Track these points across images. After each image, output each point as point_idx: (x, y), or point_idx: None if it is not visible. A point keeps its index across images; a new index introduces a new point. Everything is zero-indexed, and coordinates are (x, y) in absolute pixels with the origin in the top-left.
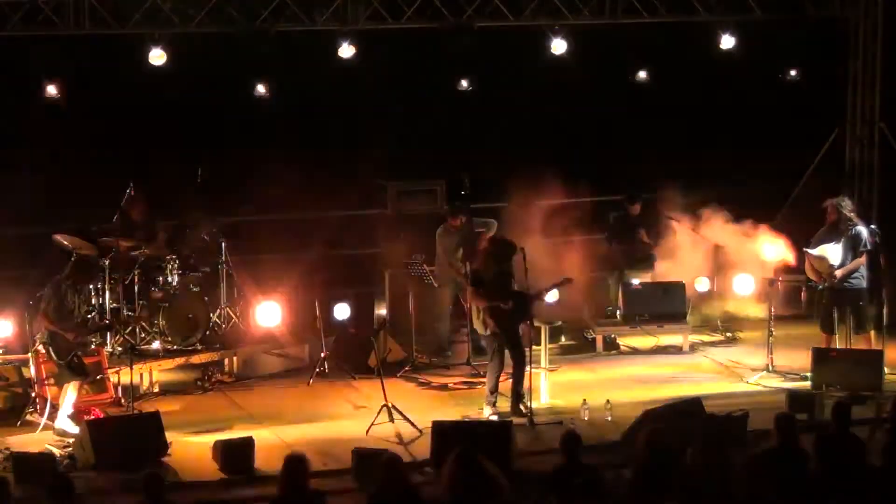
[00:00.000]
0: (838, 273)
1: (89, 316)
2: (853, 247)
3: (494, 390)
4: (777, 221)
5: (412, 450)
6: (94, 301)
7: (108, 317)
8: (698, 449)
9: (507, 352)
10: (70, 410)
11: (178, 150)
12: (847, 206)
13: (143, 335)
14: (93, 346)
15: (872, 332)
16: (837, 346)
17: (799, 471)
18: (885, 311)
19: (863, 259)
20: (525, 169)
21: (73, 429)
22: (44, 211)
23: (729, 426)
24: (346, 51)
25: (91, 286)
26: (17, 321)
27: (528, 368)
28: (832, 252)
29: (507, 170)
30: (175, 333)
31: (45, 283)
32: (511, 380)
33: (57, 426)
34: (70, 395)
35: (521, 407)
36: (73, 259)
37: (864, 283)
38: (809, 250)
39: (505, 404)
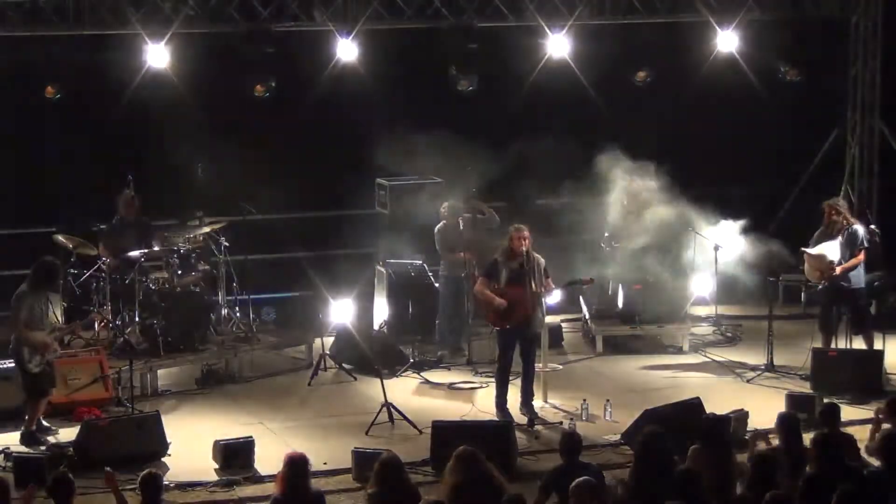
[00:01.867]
0: (838, 269)
1: (56, 320)
2: (850, 244)
3: (503, 402)
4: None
5: (412, 450)
6: (94, 300)
7: (108, 316)
8: (698, 449)
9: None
10: (32, 427)
11: (178, 150)
12: (843, 206)
13: (142, 335)
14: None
15: (872, 332)
16: (837, 346)
17: (801, 471)
18: (884, 310)
19: (862, 256)
20: (524, 169)
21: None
22: (44, 211)
23: (729, 426)
24: (346, 51)
25: (53, 290)
26: None
27: (535, 369)
28: (830, 249)
29: (507, 170)
30: (175, 333)
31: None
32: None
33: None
34: (38, 409)
35: (527, 409)
36: (37, 263)
37: (862, 283)
38: (808, 250)
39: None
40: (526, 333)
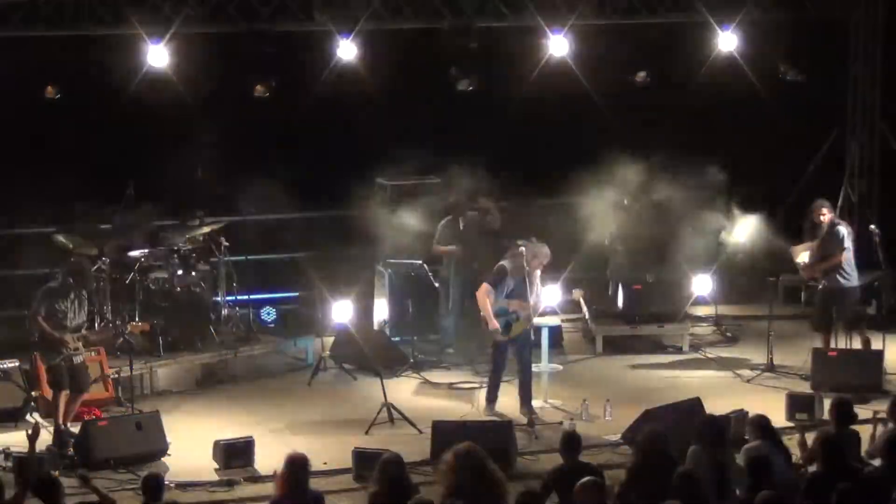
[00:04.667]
0: (801, 263)
1: (84, 321)
2: (829, 244)
3: (495, 389)
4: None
5: (412, 450)
6: (94, 301)
7: (108, 316)
8: (698, 449)
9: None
10: (62, 425)
11: (178, 150)
12: (826, 205)
13: (142, 335)
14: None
15: (866, 332)
16: (835, 346)
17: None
18: (884, 310)
19: (839, 256)
20: (525, 169)
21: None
22: (44, 210)
23: (728, 426)
24: (346, 51)
25: (86, 291)
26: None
27: (532, 371)
28: (809, 252)
29: (507, 170)
30: (175, 333)
31: (45, 282)
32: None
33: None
34: (60, 406)
35: (526, 409)
36: (67, 264)
37: (854, 283)
38: (798, 261)
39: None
40: (523, 340)
